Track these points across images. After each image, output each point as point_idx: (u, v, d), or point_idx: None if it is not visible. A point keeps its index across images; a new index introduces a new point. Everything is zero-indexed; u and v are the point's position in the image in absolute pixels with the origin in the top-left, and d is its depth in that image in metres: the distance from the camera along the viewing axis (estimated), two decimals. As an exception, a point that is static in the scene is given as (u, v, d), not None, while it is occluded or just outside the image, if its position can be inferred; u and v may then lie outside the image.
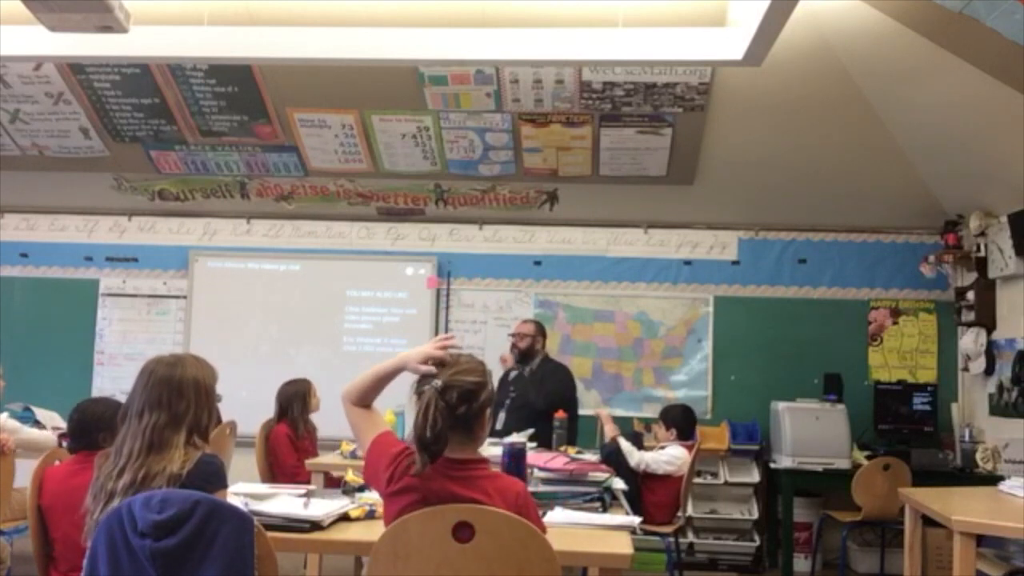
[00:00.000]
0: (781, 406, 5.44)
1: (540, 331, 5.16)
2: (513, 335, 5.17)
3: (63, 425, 4.03)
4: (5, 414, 3.93)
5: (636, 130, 5.43)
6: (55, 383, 6.01)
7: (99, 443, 2.86)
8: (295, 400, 4.86)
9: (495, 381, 2.52)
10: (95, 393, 6.07)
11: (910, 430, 5.65)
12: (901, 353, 5.95)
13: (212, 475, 2.16)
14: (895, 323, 5.98)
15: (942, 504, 3.45)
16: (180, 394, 2.20)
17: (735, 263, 6.10)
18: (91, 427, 2.90)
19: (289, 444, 4.77)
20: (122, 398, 2.36)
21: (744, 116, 5.25)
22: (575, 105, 5.29)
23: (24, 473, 3.57)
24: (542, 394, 4.84)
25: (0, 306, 6.40)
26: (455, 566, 1.90)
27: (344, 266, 6.27)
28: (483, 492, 1.99)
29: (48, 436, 3.58)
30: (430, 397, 1.97)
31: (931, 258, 5.89)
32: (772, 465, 5.51)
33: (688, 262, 6.12)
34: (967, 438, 5.42)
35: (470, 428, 2.04)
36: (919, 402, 5.68)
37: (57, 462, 2.96)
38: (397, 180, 6.03)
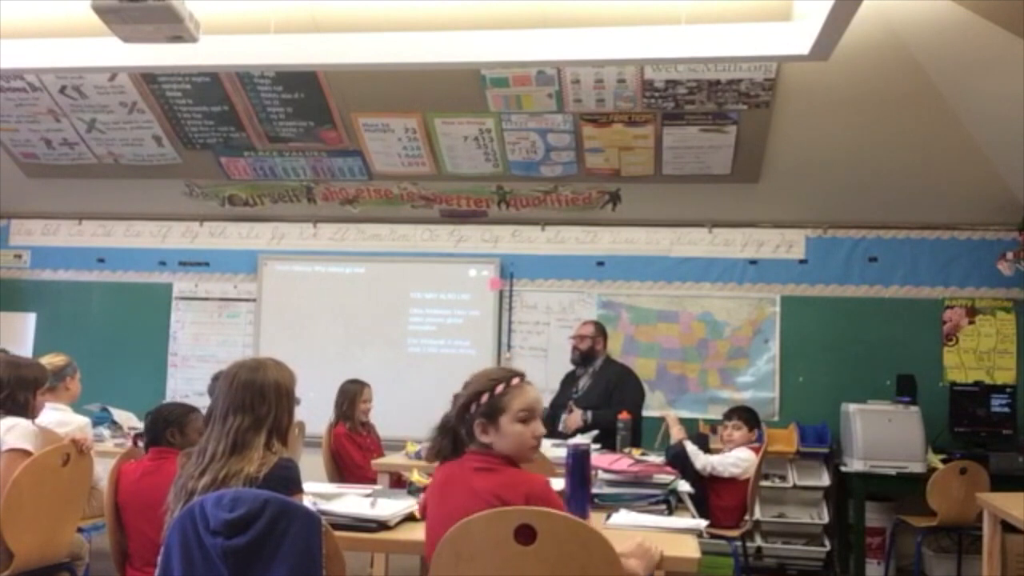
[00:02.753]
0: (852, 408, 5.32)
1: (600, 332, 5.11)
2: (573, 337, 5.14)
3: (139, 425, 4.14)
4: (88, 420, 4.04)
5: (699, 128, 5.37)
6: (131, 384, 6.18)
7: (167, 439, 2.98)
8: (344, 398, 4.96)
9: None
10: (169, 395, 6.25)
11: (988, 433, 5.47)
12: (978, 354, 5.76)
13: (288, 479, 2.19)
14: (971, 322, 5.79)
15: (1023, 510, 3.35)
16: (262, 397, 2.25)
17: (803, 262, 5.98)
18: (159, 424, 3.03)
19: (351, 442, 4.83)
20: (195, 399, 2.42)
21: (811, 112, 5.15)
22: (637, 104, 5.24)
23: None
24: (611, 412, 4.58)
25: (79, 310, 6.63)
26: (518, 568, 1.90)
27: (408, 268, 6.32)
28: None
29: (96, 474, 3.67)
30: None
31: (1009, 255, 5.70)
32: (843, 468, 5.38)
33: (754, 261, 6.02)
34: (1049, 441, 5.23)
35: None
36: (997, 404, 5.49)
37: (134, 460, 3.06)
38: (459, 182, 6.07)
